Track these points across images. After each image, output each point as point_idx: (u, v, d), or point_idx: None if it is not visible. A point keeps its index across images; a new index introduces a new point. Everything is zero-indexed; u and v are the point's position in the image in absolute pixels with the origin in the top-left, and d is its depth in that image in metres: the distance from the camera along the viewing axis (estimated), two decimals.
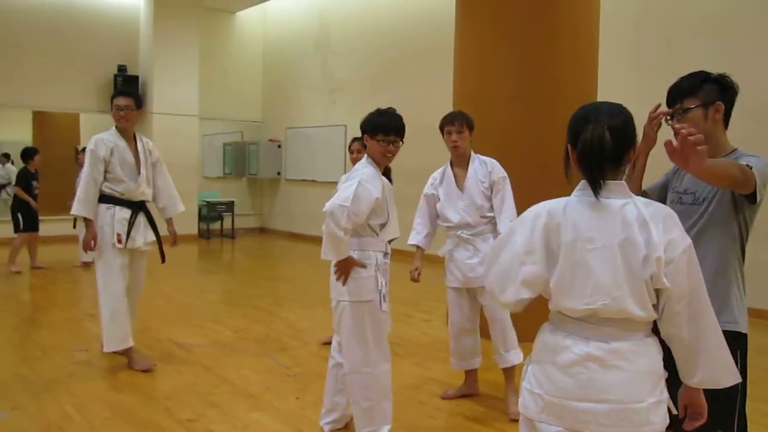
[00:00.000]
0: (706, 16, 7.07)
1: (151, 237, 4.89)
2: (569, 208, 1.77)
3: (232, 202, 13.15)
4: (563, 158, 1.86)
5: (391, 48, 10.95)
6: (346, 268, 3.21)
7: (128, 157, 4.66)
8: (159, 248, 4.99)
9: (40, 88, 11.58)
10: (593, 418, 1.71)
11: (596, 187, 1.75)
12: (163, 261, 5.06)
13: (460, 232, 3.93)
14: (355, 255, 3.22)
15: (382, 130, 3.25)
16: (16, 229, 8.55)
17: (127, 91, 4.88)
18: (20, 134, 16.85)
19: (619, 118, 1.78)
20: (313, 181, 12.57)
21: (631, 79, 7.17)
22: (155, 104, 12.08)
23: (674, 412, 1.85)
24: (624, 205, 1.74)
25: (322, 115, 12.29)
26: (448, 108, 6.18)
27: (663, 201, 2.58)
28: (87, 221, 4.56)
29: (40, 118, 15.15)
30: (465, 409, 4.01)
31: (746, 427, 2.43)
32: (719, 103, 2.35)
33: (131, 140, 4.75)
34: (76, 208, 4.56)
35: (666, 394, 1.79)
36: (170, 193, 5.07)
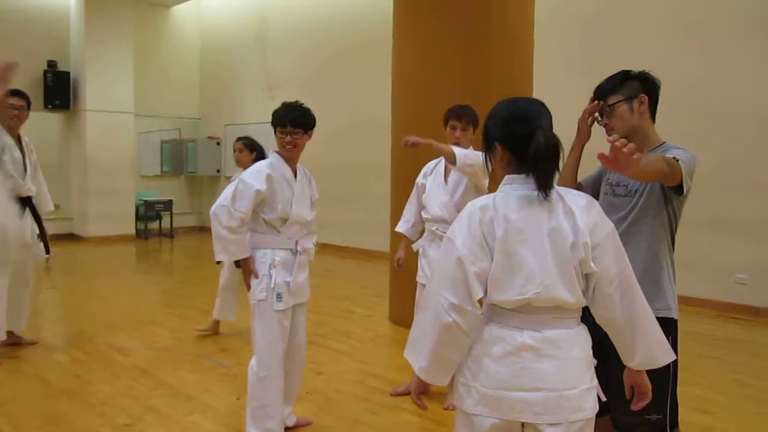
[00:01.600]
0: (638, 11, 7.29)
1: (35, 230, 5.08)
2: (498, 203, 1.81)
3: (171, 201, 12.87)
4: (484, 156, 1.91)
5: (331, 43, 10.92)
6: (247, 268, 3.24)
7: (17, 155, 4.87)
8: (43, 241, 5.17)
9: None
10: (527, 407, 1.75)
11: (549, 187, 1.78)
12: (47, 252, 5.23)
13: (435, 227, 3.93)
14: (252, 252, 3.27)
15: (279, 122, 3.26)
16: None
17: (21, 91, 4.97)
18: None
19: (549, 116, 1.85)
20: None
21: (564, 75, 7.33)
22: (88, 101, 11.70)
23: (603, 398, 1.91)
24: (552, 195, 1.80)
25: (262, 111, 12.10)
26: (388, 103, 6.23)
27: (597, 192, 2.66)
28: None
29: None
30: (410, 404, 4.02)
31: (677, 410, 2.52)
32: (642, 95, 2.46)
33: (17, 139, 4.93)
34: None
35: (596, 381, 1.85)
36: (43, 192, 5.24)
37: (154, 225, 12.91)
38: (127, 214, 12.34)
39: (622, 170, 1.91)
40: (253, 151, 5.36)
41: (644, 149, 2.46)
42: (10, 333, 5.01)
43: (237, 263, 5.23)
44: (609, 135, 2.53)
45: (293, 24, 11.75)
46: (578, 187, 2.71)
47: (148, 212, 12.55)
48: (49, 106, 11.65)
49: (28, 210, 4.97)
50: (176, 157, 13.85)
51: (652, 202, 2.43)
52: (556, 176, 1.83)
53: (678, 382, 3.61)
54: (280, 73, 11.97)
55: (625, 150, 1.81)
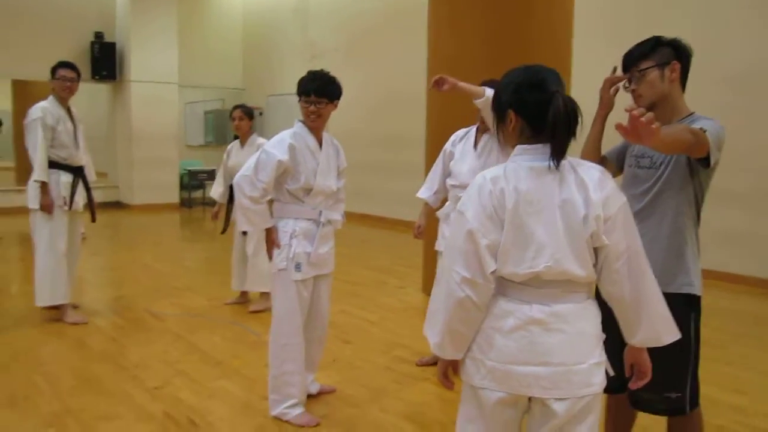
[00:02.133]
0: None
1: (85, 199, 5.21)
2: (509, 174, 1.75)
3: (214, 170, 13.01)
4: (494, 122, 1.85)
5: (370, 12, 10.82)
6: (269, 238, 3.26)
7: (69, 125, 4.99)
8: (90, 209, 5.30)
9: (17, 57, 11.35)
10: (535, 381, 1.72)
11: (562, 156, 1.73)
12: (93, 220, 5.39)
13: (462, 193, 3.87)
14: (275, 221, 3.29)
15: (303, 90, 3.25)
16: None
17: (71, 63, 5.04)
18: (1, 103, 16.64)
19: (564, 84, 1.78)
20: None
21: (604, 47, 7.10)
22: (133, 72, 11.92)
23: (611, 373, 1.87)
24: (561, 166, 1.74)
25: None
26: (424, 73, 6.15)
27: (622, 166, 2.58)
28: (44, 186, 4.80)
29: (21, 87, 14.92)
30: (434, 375, 4.03)
31: (698, 388, 2.45)
32: (675, 62, 2.36)
33: (67, 110, 5.03)
34: (40, 175, 4.80)
35: (605, 356, 1.81)
36: (89, 163, 5.31)
37: (197, 194, 13.14)
38: (172, 183, 12.59)
39: (641, 141, 1.83)
40: (252, 118, 5.45)
41: (672, 119, 2.38)
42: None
43: (244, 232, 5.36)
44: (637, 103, 2.45)
45: None
46: (602, 160, 2.63)
47: (192, 181, 12.78)
48: (96, 77, 11.91)
49: (80, 179, 5.09)
50: (220, 127, 14.01)
51: (678, 174, 2.34)
52: (572, 146, 1.78)
53: (712, 361, 3.55)
54: (320, 43, 11.94)
55: (643, 119, 1.74)
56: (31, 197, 4.84)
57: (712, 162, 2.24)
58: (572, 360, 1.73)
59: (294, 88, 3.33)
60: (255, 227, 3.26)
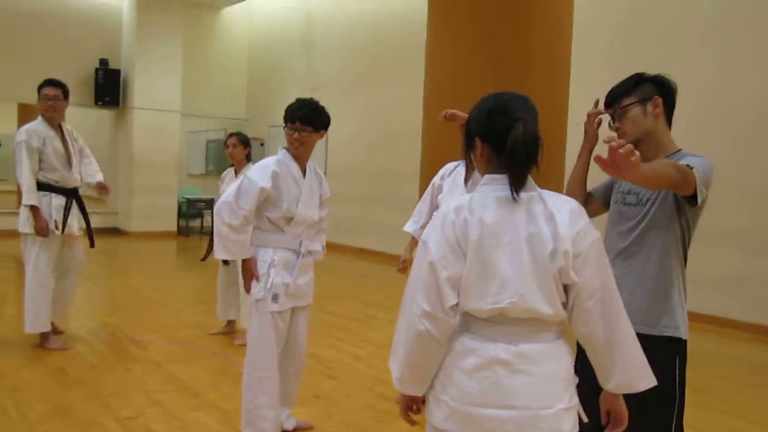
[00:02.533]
0: (683, 15, 7.01)
1: (83, 223, 5.08)
2: (474, 204, 1.68)
3: (212, 199, 13.00)
4: (464, 150, 1.78)
5: (374, 45, 10.91)
6: (246, 269, 3.17)
7: (58, 146, 4.86)
8: (88, 233, 5.19)
9: (23, 81, 11.33)
10: (499, 426, 1.62)
11: (521, 186, 1.66)
12: (92, 245, 5.25)
13: None
14: (254, 250, 3.20)
15: (288, 117, 3.21)
16: None
17: (56, 81, 4.91)
18: (6, 126, 16.73)
19: (534, 112, 1.71)
20: None
21: (605, 79, 7.09)
22: (136, 99, 11.97)
23: (584, 419, 1.77)
24: (530, 198, 1.66)
25: None
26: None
27: (608, 202, 2.52)
28: (35, 209, 4.68)
29: (26, 111, 15.01)
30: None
31: None
32: (657, 97, 2.31)
33: (58, 129, 4.90)
34: (30, 199, 4.69)
35: (576, 401, 1.71)
36: (93, 164, 5.19)
37: (195, 222, 13.09)
38: (170, 210, 12.55)
39: (622, 174, 1.77)
40: (246, 146, 5.36)
41: (658, 155, 2.32)
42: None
43: (225, 262, 5.25)
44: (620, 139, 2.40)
45: (338, 27, 11.78)
46: (588, 196, 2.57)
47: (190, 210, 12.74)
48: (100, 103, 11.97)
49: (74, 202, 4.94)
50: (221, 156, 13.95)
51: (665, 212, 2.27)
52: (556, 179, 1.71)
53: (710, 410, 3.43)
54: (324, 75, 12.01)
55: (621, 151, 1.68)
56: (22, 221, 4.73)
57: (699, 200, 2.17)
58: (539, 404, 1.62)
59: None
60: (233, 256, 3.19)
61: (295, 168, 3.24)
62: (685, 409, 3.90)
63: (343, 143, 11.36)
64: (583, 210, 1.70)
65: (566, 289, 1.66)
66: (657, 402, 2.26)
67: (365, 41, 11.12)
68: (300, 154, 3.25)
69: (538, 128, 1.70)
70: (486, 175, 1.73)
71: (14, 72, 11.17)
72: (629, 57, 7.31)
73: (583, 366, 2.48)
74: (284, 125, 3.24)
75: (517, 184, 1.65)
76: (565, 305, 1.67)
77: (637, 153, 1.70)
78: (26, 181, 4.65)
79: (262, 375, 3.16)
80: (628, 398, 2.27)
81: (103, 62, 12.00)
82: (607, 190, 2.55)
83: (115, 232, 12.14)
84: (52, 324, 5.07)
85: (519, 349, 1.64)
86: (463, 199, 1.71)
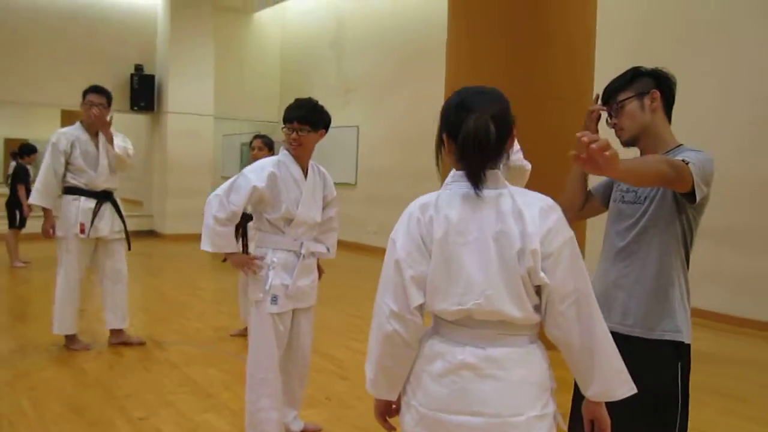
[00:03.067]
0: (711, 14, 6.80)
1: (119, 226, 5.07)
2: (441, 202, 1.64)
3: None
4: (436, 147, 1.74)
5: (404, 45, 10.88)
6: (235, 263, 3.19)
7: (90, 149, 4.90)
8: (125, 236, 5.18)
9: (65, 87, 11.67)
10: None
11: (478, 181, 1.60)
12: (129, 248, 5.25)
13: None
14: (255, 250, 3.22)
15: (286, 117, 3.19)
16: (11, 225, 8.62)
17: (101, 87, 4.97)
18: (50, 132, 17.24)
19: (498, 104, 1.63)
20: None
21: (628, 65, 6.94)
22: (170, 104, 12.18)
23: (563, 426, 1.71)
24: (498, 195, 1.60)
25: (336, 116, 12.08)
26: None
27: (608, 201, 2.44)
28: (45, 211, 4.80)
29: (68, 117, 15.44)
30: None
31: None
32: (654, 90, 2.23)
33: (94, 134, 4.95)
34: (35, 198, 4.84)
35: (552, 408, 1.64)
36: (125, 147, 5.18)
37: None
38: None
39: (601, 170, 1.70)
40: (271, 149, 5.31)
41: (657, 150, 2.24)
42: (117, 332, 5.12)
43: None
44: (619, 136, 2.32)
45: (368, 29, 11.80)
46: (588, 195, 2.50)
47: None
48: (135, 108, 12.22)
49: (108, 204, 4.96)
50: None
51: (664, 210, 2.18)
52: (497, 164, 1.64)
53: (732, 415, 3.26)
54: (355, 78, 12.03)
55: (594, 146, 1.61)
56: (56, 224, 4.83)
57: (698, 197, 2.07)
58: (508, 411, 1.56)
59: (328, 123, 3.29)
60: (216, 249, 3.15)
61: (295, 169, 3.22)
62: (709, 416, 3.79)
63: (375, 144, 11.37)
64: (556, 208, 1.62)
65: (539, 290, 1.59)
66: (659, 411, 2.18)
67: (395, 42, 11.11)
68: (299, 155, 3.24)
69: (504, 123, 1.62)
70: (453, 172, 1.69)
71: (56, 79, 11.47)
72: (647, 55, 7.13)
73: None
74: (282, 126, 3.23)
75: (473, 180, 1.60)
76: (538, 308, 1.61)
77: (613, 149, 1.63)
78: (38, 180, 4.79)
79: (264, 376, 3.16)
80: (630, 404, 2.21)
81: (138, 68, 12.24)
82: (607, 189, 2.47)
83: (150, 234, 12.37)
84: (129, 336, 5.16)
85: (487, 354, 1.58)
86: (430, 197, 1.67)
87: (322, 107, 3.25)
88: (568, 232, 1.61)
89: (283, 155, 3.24)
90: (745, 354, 5.63)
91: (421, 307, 1.63)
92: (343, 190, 11.88)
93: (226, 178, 6.64)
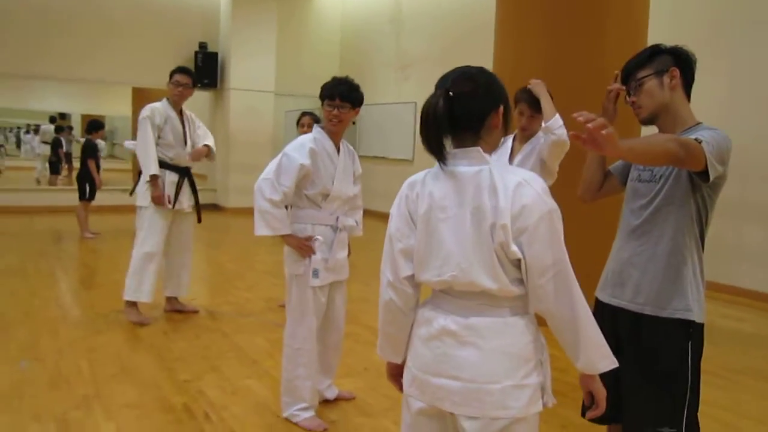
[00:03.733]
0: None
1: (193, 200, 5.34)
2: (428, 179, 1.72)
3: None
4: None
5: (460, 22, 10.79)
6: (291, 244, 3.24)
7: (178, 126, 5.16)
8: (197, 211, 5.44)
9: (134, 67, 12.15)
10: (447, 395, 1.66)
11: (438, 157, 1.67)
12: (200, 221, 5.51)
13: None
14: (292, 227, 3.25)
15: (327, 95, 3.25)
16: (82, 197, 9.05)
17: (187, 69, 5.26)
18: (123, 109, 17.94)
19: (467, 83, 1.68)
20: (383, 158, 12.61)
21: None
22: (233, 81, 12.48)
23: (549, 402, 1.71)
24: (479, 171, 1.64)
25: (394, 92, 12.27)
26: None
27: (626, 179, 2.43)
28: (154, 179, 4.97)
29: (139, 94, 16.00)
30: None
31: (698, 424, 2.25)
32: (674, 68, 2.21)
33: (179, 112, 5.20)
34: (151, 168, 4.95)
35: (535, 380, 1.67)
36: (209, 136, 5.47)
37: None
38: None
39: (601, 149, 1.72)
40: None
41: (676, 129, 2.23)
42: (172, 299, 5.40)
43: None
44: (636, 114, 2.30)
45: (426, 5, 11.72)
46: (608, 174, 2.49)
47: None
48: (199, 85, 12.50)
49: (186, 180, 5.23)
50: None
51: (679, 189, 2.17)
52: (477, 141, 1.68)
53: (760, 396, 3.12)
54: (413, 54, 12.01)
55: (590, 126, 1.63)
56: (140, 195, 5.05)
57: (712, 176, 2.05)
58: (484, 378, 1.63)
59: (386, 98, 3.35)
60: (274, 232, 3.22)
61: (330, 145, 3.31)
62: (747, 399, 3.72)
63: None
64: (533, 182, 1.62)
65: (519, 264, 1.63)
66: (669, 389, 2.18)
67: (450, 19, 11.02)
68: (337, 131, 3.32)
69: (471, 102, 1.67)
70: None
71: (127, 59, 11.92)
72: (709, 39, 6.86)
73: None
74: (322, 102, 3.30)
75: (434, 155, 1.66)
76: (521, 281, 1.65)
77: (610, 128, 1.64)
78: (150, 153, 4.97)
79: (301, 347, 3.29)
80: (640, 381, 2.21)
81: (202, 46, 12.57)
82: (626, 168, 2.45)
83: (214, 208, 12.77)
84: (184, 305, 5.42)
85: (469, 322, 1.66)
86: (420, 175, 1.76)
87: (358, 85, 3.32)
88: (546, 206, 1.61)
89: (317, 132, 3.32)
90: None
91: (411, 278, 1.73)
92: (401, 166, 11.95)
93: None
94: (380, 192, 12.10)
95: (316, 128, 3.35)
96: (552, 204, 1.63)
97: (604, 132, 1.63)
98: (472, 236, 1.62)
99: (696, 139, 2.01)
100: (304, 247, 3.24)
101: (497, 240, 1.59)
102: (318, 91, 3.33)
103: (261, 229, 3.22)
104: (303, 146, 3.24)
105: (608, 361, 1.68)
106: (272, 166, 3.24)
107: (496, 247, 1.60)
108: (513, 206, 1.59)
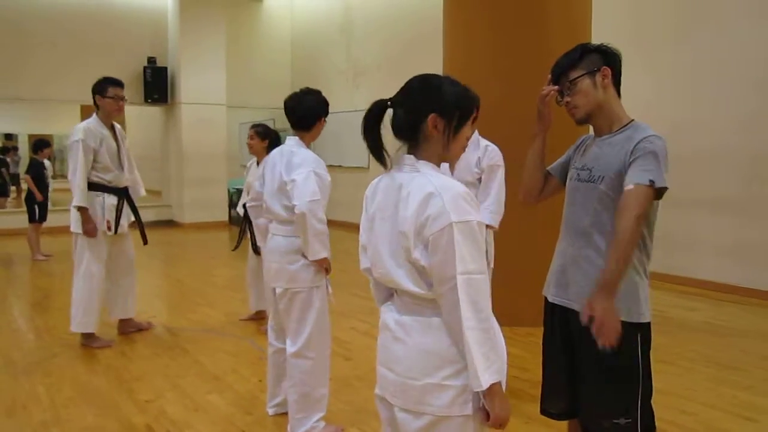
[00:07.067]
0: None
1: (131, 219, 5.12)
2: (381, 183, 1.82)
3: None
4: None
5: (411, 28, 10.88)
6: (324, 264, 3.24)
7: (113, 145, 4.86)
8: (140, 230, 5.21)
9: (80, 83, 11.79)
10: (387, 386, 1.77)
11: (381, 162, 1.77)
12: (145, 243, 5.29)
13: None
14: (298, 241, 3.21)
15: (324, 112, 3.39)
16: (31, 219, 8.82)
17: (120, 80, 4.93)
18: (71, 127, 17.53)
19: (402, 93, 1.77)
20: (339, 166, 12.61)
21: (628, 57, 6.89)
22: (183, 95, 12.33)
23: (471, 406, 1.67)
24: (411, 178, 1.69)
25: (347, 100, 12.30)
26: None
27: (566, 178, 2.46)
28: (83, 211, 4.70)
29: (87, 112, 15.64)
30: None
31: (653, 415, 2.31)
32: (605, 67, 2.26)
33: (110, 128, 4.91)
34: (82, 199, 4.68)
35: (458, 382, 1.65)
36: (135, 179, 5.19)
37: None
38: (220, 201, 12.93)
39: (616, 332, 2.08)
40: (265, 138, 5.28)
41: (612, 127, 2.27)
42: (124, 321, 5.23)
43: (256, 251, 5.26)
44: (572, 114, 2.33)
45: (376, 12, 11.81)
46: (547, 175, 2.52)
47: (239, 199, 13.05)
48: (149, 100, 12.40)
49: (125, 201, 4.98)
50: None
51: (617, 190, 2.17)
52: (417, 150, 1.74)
53: (729, 385, 3.19)
54: (364, 62, 12.07)
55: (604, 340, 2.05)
56: (73, 220, 4.74)
57: (663, 193, 2.12)
58: (408, 374, 1.71)
59: (340, 107, 3.38)
60: (328, 252, 3.20)
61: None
62: (701, 383, 3.82)
63: (386, 127, 11.39)
64: (444, 193, 1.60)
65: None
66: (622, 381, 2.23)
67: (400, 26, 11.12)
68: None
69: (412, 110, 1.74)
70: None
71: (73, 76, 11.61)
72: (654, 30, 7.08)
73: (551, 349, 2.47)
74: (322, 118, 3.32)
75: (377, 160, 1.76)
76: None
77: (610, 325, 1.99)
78: (79, 182, 4.64)
79: (329, 353, 3.38)
80: (596, 377, 2.27)
81: (151, 60, 12.40)
82: (564, 167, 2.48)
83: (169, 224, 12.60)
84: (139, 323, 5.30)
85: (401, 319, 1.75)
86: (379, 178, 1.84)
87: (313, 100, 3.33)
88: (450, 218, 1.58)
89: (299, 144, 3.30)
90: (746, 324, 5.63)
91: (368, 270, 1.85)
92: (356, 174, 11.98)
93: (245, 167, 6.86)
94: (338, 200, 12.11)
95: (300, 143, 3.29)
96: (461, 216, 1.59)
97: (610, 328, 2.04)
98: (389, 240, 1.72)
99: (650, 182, 2.06)
100: (329, 266, 3.29)
101: (403, 246, 1.67)
102: (272, 101, 3.36)
103: (322, 252, 3.17)
104: (321, 162, 3.22)
105: (475, 383, 1.60)
106: (310, 187, 3.09)
107: (405, 253, 1.67)
108: (419, 216, 1.62)
